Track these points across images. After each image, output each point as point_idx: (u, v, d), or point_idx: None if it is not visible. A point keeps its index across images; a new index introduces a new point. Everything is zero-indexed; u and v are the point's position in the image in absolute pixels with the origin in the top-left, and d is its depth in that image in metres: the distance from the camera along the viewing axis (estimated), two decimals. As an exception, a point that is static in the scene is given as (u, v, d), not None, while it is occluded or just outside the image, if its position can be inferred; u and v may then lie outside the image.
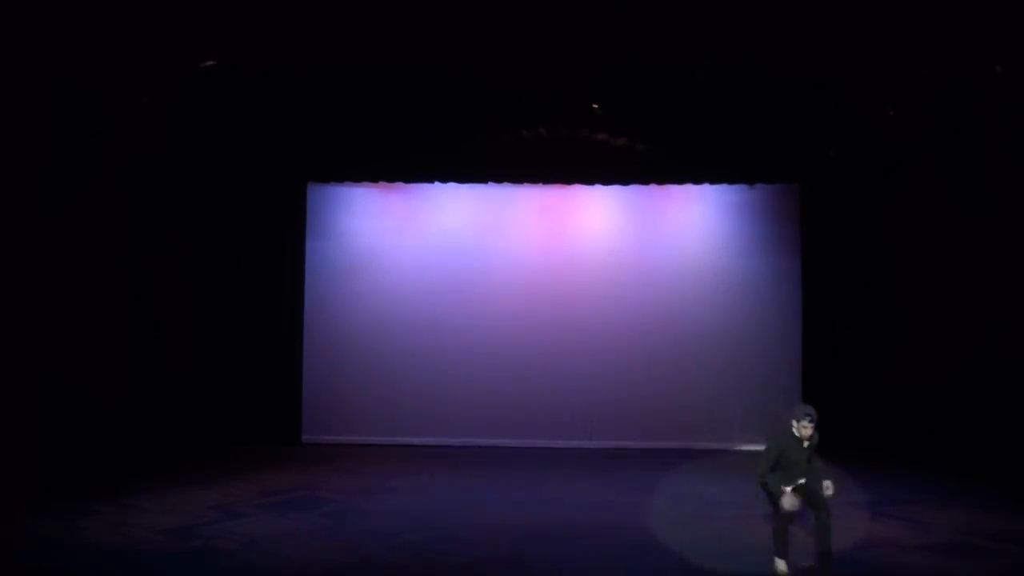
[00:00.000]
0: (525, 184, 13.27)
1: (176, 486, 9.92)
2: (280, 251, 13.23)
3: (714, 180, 13.12)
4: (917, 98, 10.39)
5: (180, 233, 12.36)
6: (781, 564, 7.14)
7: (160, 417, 11.90)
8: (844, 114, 11.02)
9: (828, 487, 6.94)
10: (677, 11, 8.81)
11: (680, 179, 13.14)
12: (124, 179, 11.38)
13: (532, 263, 13.41)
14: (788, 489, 6.92)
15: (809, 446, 6.97)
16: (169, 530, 8.09)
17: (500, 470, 11.34)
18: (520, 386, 13.12)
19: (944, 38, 9.07)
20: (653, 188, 13.30)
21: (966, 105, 10.25)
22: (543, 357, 13.16)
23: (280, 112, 11.48)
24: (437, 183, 13.18)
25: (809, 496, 7.03)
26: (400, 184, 13.34)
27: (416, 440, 13.06)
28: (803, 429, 6.90)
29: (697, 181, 13.17)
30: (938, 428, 11.87)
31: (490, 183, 13.18)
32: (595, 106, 11.38)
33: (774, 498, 7.04)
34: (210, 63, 9.79)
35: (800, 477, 7.00)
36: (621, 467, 11.65)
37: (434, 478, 10.81)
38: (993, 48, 9.17)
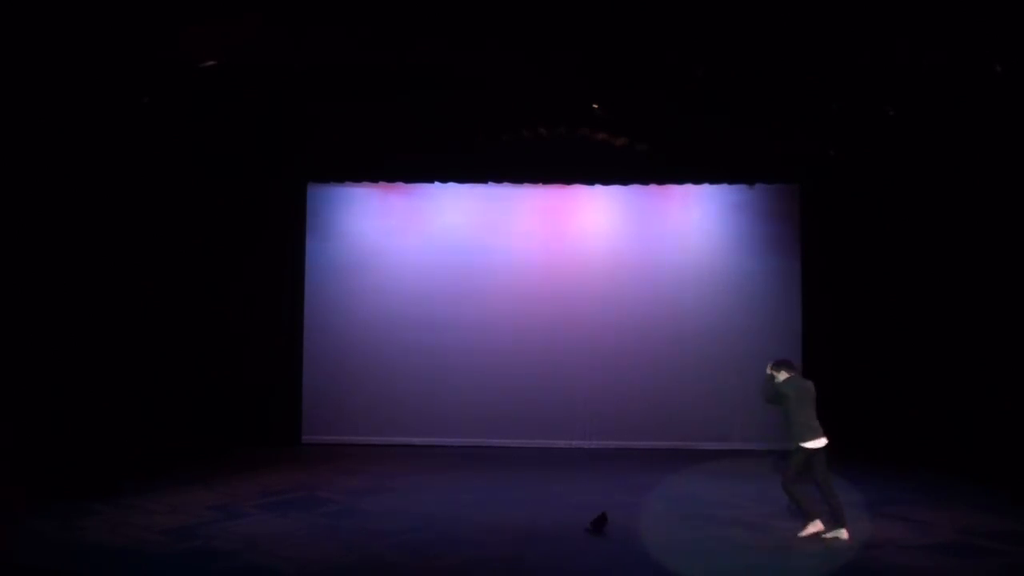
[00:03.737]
0: (525, 184, 13.29)
1: (176, 486, 9.92)
2: (280, 251, 13.24)
3: (714, 180, 13.14)
4: (917, 98, 10.38)
5: (180, 233, 12.37)
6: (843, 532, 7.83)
7: (161, 417, 11.91)
8: (844, 114, 11.02)
9: None
10: (677, 11, 8.80)
11: (680, 179, 13.16)
12: (124, 179, 11.38)
13: (532, 263, 13.42)
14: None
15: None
16: (169, 530, 8.09)
17: (500, 470, 11.34)
18: (520, 386, 13.13)
19: (944, 38, 9.07)
20: (653, 188, 13.31)
21: (966, 105, 10.25)
22: (543, 357, 13.17)
23: (280, 112, 11.48)
24: (437, 183, 13.21)
25: None
26: (400, 184, 13.36)
27: (416, 440, 13.07)
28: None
29: (697, 181, 13.19)
30: (938, 428, 11.88)
31: (490, 183, 13.20)
32: (595, 106, 11.37)
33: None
34: (210, 63, 9.78)
35: None
36: (621, 467, 11.65)
37: (434, 478, 10.81)
38: (993, 48, 9.16)
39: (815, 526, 7.97)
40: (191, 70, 9.90)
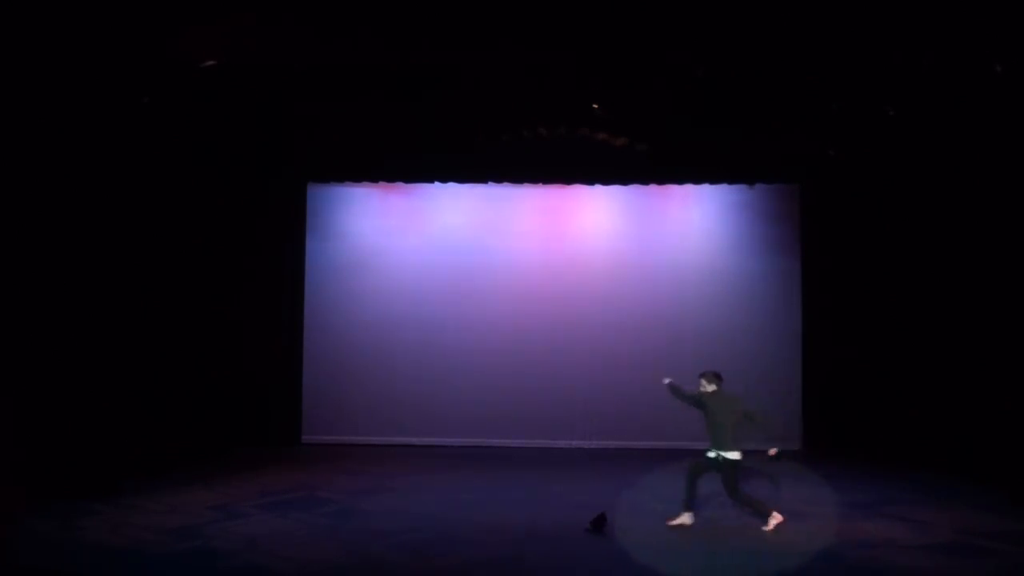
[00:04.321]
0: (525, 184, 13.29)
1: (176, 486, 9.92)
2: (280, 251, 13.24)
3: (714, 180, 13.14)
4: (917, 98, 10.39)
5: (180, 233, 12.37)
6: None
7: (160, 417, 11.91)
8: (844, 114, 11.02)
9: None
10: (677, 11, 8.80)
11: (680, 179, 13.16)
12: (124, 179, 11.38)
13: (532, 263, 13.42)
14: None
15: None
16: (169, 530, 8.09)
17: (500, 470, 11.35)
18: (520, 386, 13.13)
19: (944, 38, 9.07)
20: (653, 188, 13.32)
21: (966, 105, 10.25)
22: (543, 357, 13.17)
23: (280, 112, 11.49)
24: (437, 183, 13.21)
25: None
26: (400, 184, 13.36)
27: (416, 440, 13.07)
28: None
29: (697, 181, 13.19)
30: (937, 428, 11.88)
31: (490, 183, 13.20)
32: (595, 106, 11.37)
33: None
34: (210, 63, 9.78)
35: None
36: (621, 467, 11.64)
37: (434, 478, 10.81)
38: (993, 48, 9.16)
39: (775, 518, 8.21)
40: (191, 70, 9.90)
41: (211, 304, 12.80)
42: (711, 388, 8.50)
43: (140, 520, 8.42)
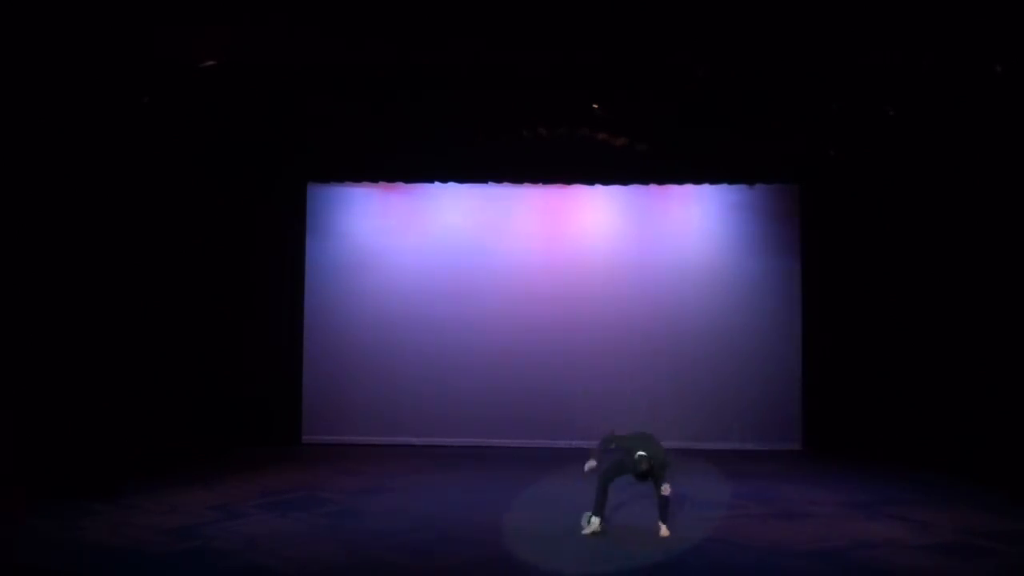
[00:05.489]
0: (525, 184, 13.29)
1: (176, 486, 9.91)
2: (280, 251, 13.24)
3: (714, 180, 13.13)
4: (917, 98, 10.39)
5: (180, 233, 12.37)
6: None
7: (160, 417, 11.91)
8: (844, 114, 11.02)
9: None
10: (679, 11, 8.80)
11: (680, 179, 13.16)
12: (124, 179, 11.39)
13: (532, 263, 13.42)
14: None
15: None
16: (169, 530, 8.08)
17: (500, 470, 11.34)
18: (520, 386, 13.13)
19: (944, 38, 9.07)
20: (653, 188, 13.31)
21: (966, 105, 10.25)
22: (543, 357, 13.17)
23: (280, 112, 11.49)
24: (437, 183, 13.21)
25: None
26: (400, 184, 13.36)
27: (416, 440, 13.08)
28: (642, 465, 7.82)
29: (697, 181, 13.18)
30: (937, 428, 11.88)
31: (490, 183, 13.20)
32: (595, 106, 11.38)
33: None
34: (210, 63, 9.79)
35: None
36: (621, 467, 11.63)
37: (434, 478, 10.80)
38: (993, 48, 9.17)
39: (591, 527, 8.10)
40: (191, 70, 9.91)
41: (211, 304, 12.80)
42: (646, 463, 7.94)
43: (140, 520, 8.42)
